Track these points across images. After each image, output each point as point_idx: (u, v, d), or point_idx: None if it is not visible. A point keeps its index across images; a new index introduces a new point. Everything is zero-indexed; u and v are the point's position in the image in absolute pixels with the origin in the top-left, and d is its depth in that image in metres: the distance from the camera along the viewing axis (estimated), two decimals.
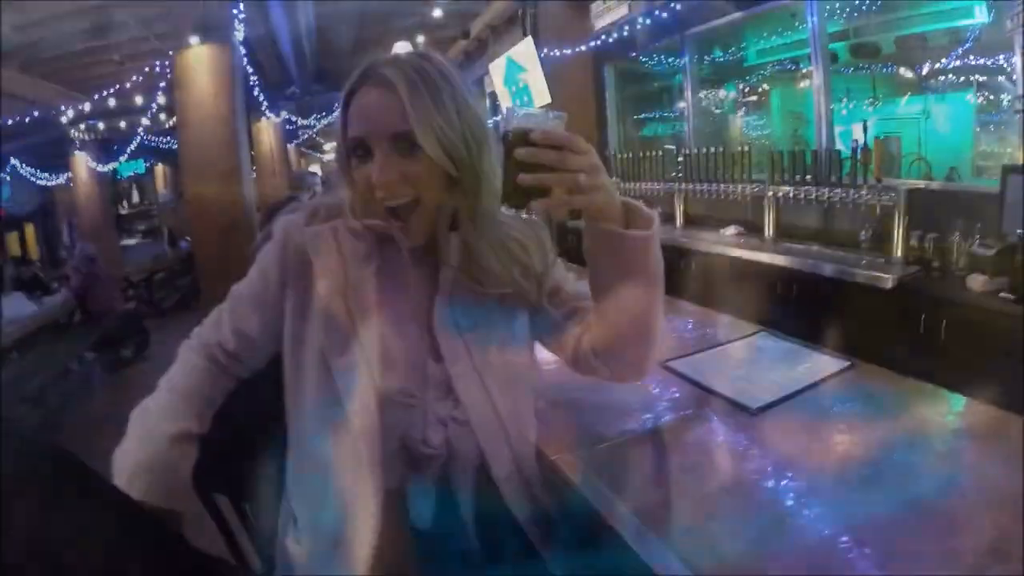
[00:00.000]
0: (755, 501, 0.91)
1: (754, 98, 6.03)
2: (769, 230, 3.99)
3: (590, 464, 1.04)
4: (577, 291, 1.12)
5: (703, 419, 1.19)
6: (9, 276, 7.77)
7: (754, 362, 1.45)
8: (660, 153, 5.11)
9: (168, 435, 1.03)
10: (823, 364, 1.40)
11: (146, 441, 1.03)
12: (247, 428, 1.20)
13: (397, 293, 1.04)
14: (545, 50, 6.32)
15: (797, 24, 4.56)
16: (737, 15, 4.57)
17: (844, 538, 0.80)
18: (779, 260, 3.46)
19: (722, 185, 4.34)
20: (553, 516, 1.08)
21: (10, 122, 7.85)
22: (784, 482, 0.94)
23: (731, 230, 4.30)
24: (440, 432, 1.02)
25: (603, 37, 5.88)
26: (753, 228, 4.18)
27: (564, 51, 6.33)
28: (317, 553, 1.02)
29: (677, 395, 1.31)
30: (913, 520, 0.83)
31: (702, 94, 5.70)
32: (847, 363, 1.38)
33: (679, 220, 4.94)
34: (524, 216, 0.90)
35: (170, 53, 6.28)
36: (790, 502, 0.89)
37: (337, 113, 1.03)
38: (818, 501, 0.88)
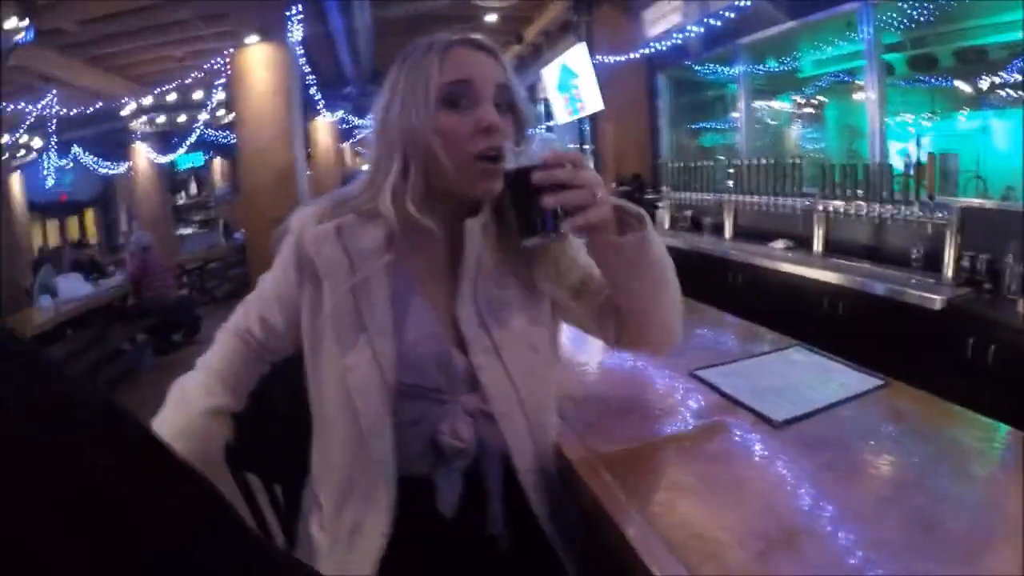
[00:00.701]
0: (768, 514, 0.89)
1: (810, 110, 5.92)
2: (818, 245, 3.92)
3: (607, 466, 1.04)
4: None
5: (725, 429, 1.17)
6: (68, 258, 8.09)
7: (785, 375, 1.42)
8: (712, 163, 5.07)
9: (203, 408, 1.08)
10: (856, 381, 1.36)
11: (182, 412, 1.08)
12: (283, 410, 1.23)
13: (416, 286, 1.06)
14: (598, 56, 6.32)
15: (852, 34, 4.46)
16: (791, 24, 4.51)
17: (852, 558, 0.78)
18: (826, 276, 3.40)
19: (772, 198, 4.28)
20: (569, 514, 1.09)
21: (74, 112, 8.20)
22: (799, 497, 0.93)
23: (780, 244, 4.24)
24: (469, 425, 1.03)
25: (656, 44, 5.85)
26: (803, 242, 4.10)
27: (617, 58, 6.32)
28: (337, 539, 1.05)
29: (703, 404, 1.30)
30: (927, 546, 0.81)
31: (756, 104, 5.62)
32: (880, 382, 1.34)
33: (728, 231, 4.88)
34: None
35: (229, 51, 6.47)
36: (803, 517, 0.88)
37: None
38: (831, 517, 0.87)
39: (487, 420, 1.04)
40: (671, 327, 1.12)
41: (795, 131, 6.12)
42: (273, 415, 1.23)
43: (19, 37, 6.37)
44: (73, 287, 5.43)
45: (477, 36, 1.03)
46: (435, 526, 1.03)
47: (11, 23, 6.06)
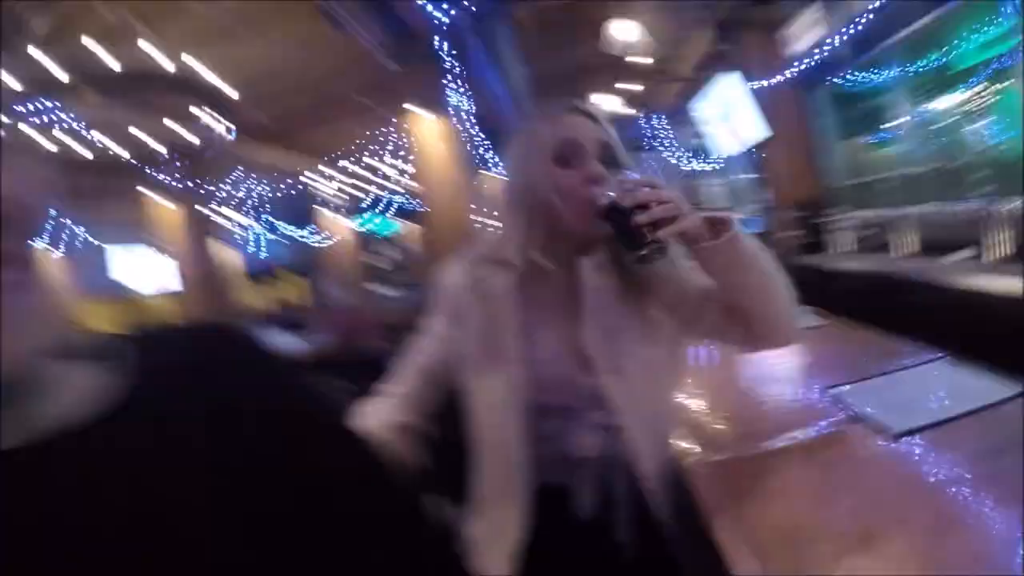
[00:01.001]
0: (866, 519, 0.96)
1: (980, 101, 5.33)
2: (999, 251, 3.56)
3: (722, 473, 1.18)
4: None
5: (842, 439, 1.25)
6: (280, 318, 9.15)
7: (923, 390, 1.44)
8: (882, 177, 4.78)
9: (388, 423, 1.29)
10: (993, 392, 1.35)
11: (370, 426, 1.26)
12: (451, 432, 1.36)
13: (542, 319, 1.24)
14: (750, 83, 6.26)
15: (1011, 11, 4.02)
16: (940, 12, 4.21)
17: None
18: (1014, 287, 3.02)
19: (947, 204, 3.98)
20: (688, 519, 1.23)
21: (267, 188, 9.47)
22: (895, 503, 1.00)
23: (960, 254, 3.86)
24: (595, 438, 1.19)
25: (804, 62, 5.71)
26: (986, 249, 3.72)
27: (771, 81, 6.22)
28: (482, 542, 1.21)
29: (827, 416, 1.37)
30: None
31: (921, 107, 5.23)
32: (1018, 392, 1.32)
33: (902, 248, 4.51)
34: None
35: (402, 124, 7.19)
36: (900, 520, 0.94)
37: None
38: (923, 528, 0.93)
39: (613, 433, 1.19)
40: (787, 319, 1.18)
41: (967, 127, 5.49)
42: (444, 438, 1.37)
43: (226, 136, 7.60)
44: (286, 343, 6.15)
45: (579, 103, 1.22)
46: (567, 532, 1.20)
47: (214, 123, 7.24)
